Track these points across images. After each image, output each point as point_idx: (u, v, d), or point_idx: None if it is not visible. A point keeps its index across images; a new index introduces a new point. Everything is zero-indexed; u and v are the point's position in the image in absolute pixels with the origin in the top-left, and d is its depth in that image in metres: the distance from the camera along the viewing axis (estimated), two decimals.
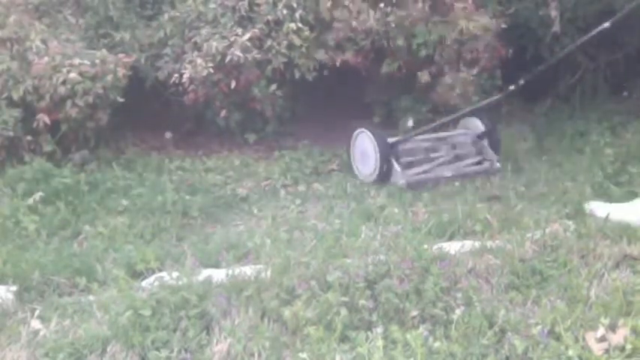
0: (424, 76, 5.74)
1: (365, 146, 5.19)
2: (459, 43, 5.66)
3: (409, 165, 5.15)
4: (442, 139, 5.43)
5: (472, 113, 5.36)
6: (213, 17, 5.74)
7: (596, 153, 5.22)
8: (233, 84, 5.54)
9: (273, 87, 5.68)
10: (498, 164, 5.21)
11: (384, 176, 5.05)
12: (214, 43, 5.45)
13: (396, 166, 5.04)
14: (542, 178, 4.98)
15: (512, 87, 4.88)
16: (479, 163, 5.30)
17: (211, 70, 5.41)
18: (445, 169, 5.16)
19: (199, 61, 5.41)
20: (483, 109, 5.29)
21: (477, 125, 5.42)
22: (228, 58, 5.42)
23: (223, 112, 5.70)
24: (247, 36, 5.49)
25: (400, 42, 5.65)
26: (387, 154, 5.04)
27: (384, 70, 5.84)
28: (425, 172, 5.12)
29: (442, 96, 5.70)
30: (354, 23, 5.64)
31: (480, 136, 5.37)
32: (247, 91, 5.67)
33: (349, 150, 5.36)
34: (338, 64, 5.72)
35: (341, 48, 5.77)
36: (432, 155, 5.31)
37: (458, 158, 5.31)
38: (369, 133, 5.18)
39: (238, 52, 5.40)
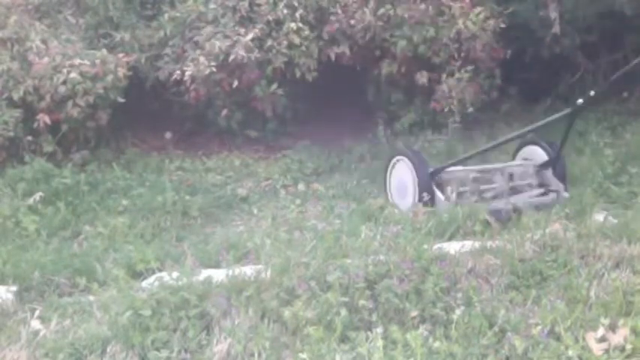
0: (422, 79, 5.73)
1: (402, 175, 4.66)
2: (456, 43, 5.65)
3: (458, 196, 4.54)
4: (496, 170, 4.76)
5: (532, 141, 4.82)
6: (214, 17, 5.74)
7: (595, 153, 5.22)
8: (235, 83, 5.54)
9: (274, 86, 5.68)
10: (566, 194, 4.57)
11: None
12: (217, 43, 5.44)
13: (440, 195, 4.47)
14: None
15: (580, 100, 4.36)
16: (544, 194, 4.64)
17: (214, 69, 5.41)
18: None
19: (202, 59, 5.40)
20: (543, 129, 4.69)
21: (538, 153, 4.79)
22: (231, 58, 5.41)
23: (225, 112, 5.70)
24: (250, 36, 5.50)
25: (402, 43, 5.64)
26: (428, 183, 4.50)
27: (385, 70, 5.84)
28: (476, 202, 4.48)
29: (439, 102, 5.69)
30: (352, 22, 5.64)
31: (543, 166, 4.73)
32: (249, 90, 5.68)
33: (385, 177, 4.82)
34: (333, 58, 5.68)
35: (336, 42, 5.76)
36: (483, 187, 4.65)
37: (516, 190, 4.68)
38: (407, 160, 4.63)
39: (242, 52, 5.40)
